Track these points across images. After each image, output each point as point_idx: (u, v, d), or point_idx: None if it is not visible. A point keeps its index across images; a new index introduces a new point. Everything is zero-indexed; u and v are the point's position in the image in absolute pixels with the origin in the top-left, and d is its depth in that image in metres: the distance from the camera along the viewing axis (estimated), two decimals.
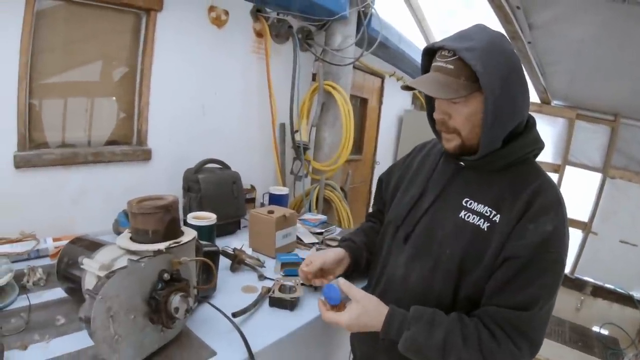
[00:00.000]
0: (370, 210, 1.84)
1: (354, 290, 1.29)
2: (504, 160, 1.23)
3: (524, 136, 1.24)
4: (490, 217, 1.20)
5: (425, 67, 1.32)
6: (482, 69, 1.10)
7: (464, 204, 1.27)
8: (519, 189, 1.20)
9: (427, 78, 1.23)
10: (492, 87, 1.12)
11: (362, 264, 1.65)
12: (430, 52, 1.29)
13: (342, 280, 1.31)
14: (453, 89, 1.15)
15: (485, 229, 1.20)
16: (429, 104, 1.38)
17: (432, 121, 1.37)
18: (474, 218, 1.23)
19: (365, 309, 1.25)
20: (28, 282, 1.51)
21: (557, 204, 1.18)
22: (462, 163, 1.32)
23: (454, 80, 1.16)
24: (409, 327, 1.18)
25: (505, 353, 1.10)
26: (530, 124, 1.28)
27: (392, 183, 1.62)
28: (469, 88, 1.15)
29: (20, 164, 1.89)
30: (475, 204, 1.25)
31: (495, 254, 1.17)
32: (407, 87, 1.28)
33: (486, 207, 1.22)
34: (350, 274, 1.63)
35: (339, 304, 1.33)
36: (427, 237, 1.33)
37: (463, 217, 1.25)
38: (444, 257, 1.26)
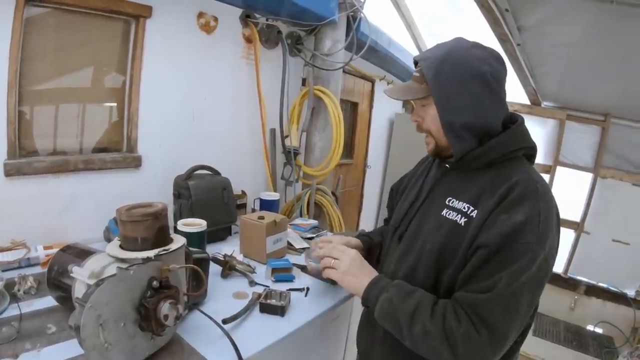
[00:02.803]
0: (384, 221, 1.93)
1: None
2: (482, 158, 1.28)
3: (503, 134, 1.27)
4: (468, 212, 1.25)
5: None
6: (431, 75, 1.26)
7: (447, 203, 1.32)
8: (497, 184, 1.23)
9: (400, 85, 1.46)
10: (440, 91, 1.26)
11: (372, 260, 1.68)
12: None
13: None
14: (412, 92, 1.33)
15: (462, 224, 1.24)
16: None
17: None
18: (453, 215, 1.28)
19: (364, 262, 1.45)
20: (19, 290, 1.51)
21: (534, 195, 1.18)
22: (447, 165, 1.40)
23: (418, 85, 1.32)
24: (387, 290, 1.28)
25: (463, 334, 1.11)
26: (518, 122, 1.32)
27: (400, 191, 1.70)
28: (427, 91, 1.29)
29: (11, 172, 1.89)
30: (457, 202, 1.30)
31: (469, 246, 1.20)
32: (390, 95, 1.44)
33: (465, 204, 1.27)
34: None
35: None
36: (414, 235, 1.39)
37: (444, 214, 1.31)
38: (425, 253, 1.31)
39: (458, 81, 1.23)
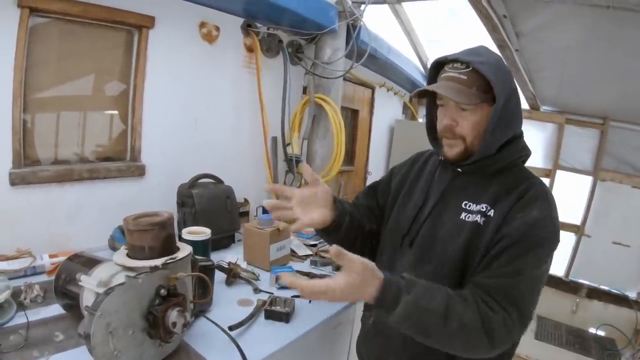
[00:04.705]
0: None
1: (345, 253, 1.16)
2: (497, 165, 1.34)
3: (515, 143, 1.35)
4: (486, 212, 1.29)
5: (432, 78, 1.41)
6: (496, 81, 1.23)
7: (463, 207, 1.35)
8: (511, 188, 1.30)
9: (442, 85, 1.32)
10: (501, 98, 1.23)
11: (339, 229, 1.50)
12: (438, 65, 1.39)
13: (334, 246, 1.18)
14: (467, 96, 1.26)
15: (482, 223, 1.28)
16: (429, 114, 1.49)
17: (430, 132, 1.49)
18: (472, 216, 1.31)
19: (356, 279, 1.12)
20: (25, 299, 1.53)
21: (544, 196, 1.27)
22: (459, 169, 1.40)
23: (466, 89, 1.26)
24: (408, 291, 1.14)
25: (499, 319, 1.14)
26: (521, 132, 1.40)
27: (392, 190, 1.65)
28: (480, 98, 1.26)
29: (16, 181, 1.90)
30: (474, 205, 1.33)
31: (490, 240, 1.25)
32: (419, 93, 1.37)
33: (483, 205, 1.31)
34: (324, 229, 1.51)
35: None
36: (430, 240, 1.39)
37: (463, 218, 1.33)
38: (447, 256, 1.32)
39: (507, 92, 1.25)
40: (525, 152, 1.39)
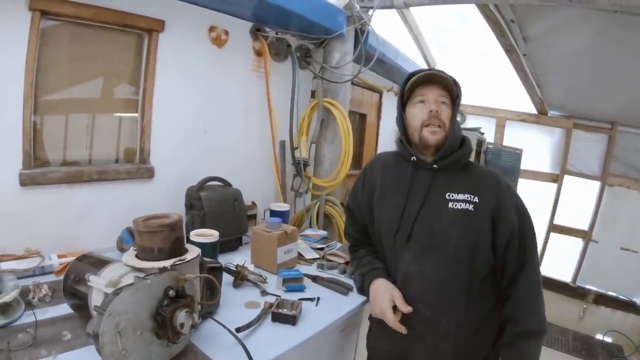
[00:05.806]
0: (350, 238, 2.01)
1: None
2: (462, 159, 1.67)
3: (467, 143, 1.70)
4: (472, 200, 1.58)
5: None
6: (458, 84, 1.67)
7: (447, 197, 1.61)
8: (482, 178, 1.64)
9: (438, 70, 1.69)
10: (459, 97, 1.67)
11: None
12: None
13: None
14: (450, 85, 1.65)
15: (472, 209, 1.57)
16: (400, 119, 1.77)
17: (403, 134, 1.75)
18: (460, 205, 1.58)
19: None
20: (34, 298, 1.53)
21: (505, 182, 1.66)
22: (435, 166, 1.65)
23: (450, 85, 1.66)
24: None
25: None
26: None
27: (364, 206, 1.84)
28: (454, 94, 1.68)
29: (26, 181, 1.92)
30: (456, 194, 1.60)
31: (488, 227, 1.56)
32: (412, 81, 1.67)
33: (465, 194, 1.59)
34: None
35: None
36: (428, 233, 1.60)
37: (452, 207, 1.59)
38: (450, 243, 1.56)
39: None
40: (471, 151, 1.72)
